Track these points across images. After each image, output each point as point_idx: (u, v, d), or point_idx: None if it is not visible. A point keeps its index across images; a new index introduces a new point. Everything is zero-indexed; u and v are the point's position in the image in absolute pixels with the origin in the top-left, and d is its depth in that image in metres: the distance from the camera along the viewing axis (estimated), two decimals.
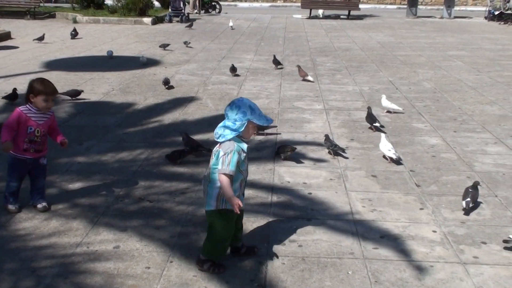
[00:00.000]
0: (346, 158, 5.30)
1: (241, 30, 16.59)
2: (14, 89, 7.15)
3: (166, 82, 8.08)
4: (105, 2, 20.83)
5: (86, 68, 9.81)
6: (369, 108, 6.38)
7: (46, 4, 22.80)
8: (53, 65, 10.19)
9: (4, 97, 7.19)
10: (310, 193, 4.42)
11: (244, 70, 9.74)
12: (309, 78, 8.89)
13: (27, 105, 3.89)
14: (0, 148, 3.78)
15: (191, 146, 5.19)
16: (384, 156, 5.28)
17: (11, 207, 3.99)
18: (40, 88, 3.84)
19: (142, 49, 12.22)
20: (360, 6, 22.62)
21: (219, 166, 3.07)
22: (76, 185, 4.52)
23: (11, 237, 3.66)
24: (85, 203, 4.18)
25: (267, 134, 5.96)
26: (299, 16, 22.28)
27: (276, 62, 10.03)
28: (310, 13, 21.87)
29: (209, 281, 3.16)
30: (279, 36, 15.19)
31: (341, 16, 22.12)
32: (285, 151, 5.13)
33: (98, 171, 4.87)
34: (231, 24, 17.27)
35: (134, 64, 9.67)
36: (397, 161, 5.16)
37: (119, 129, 6.18)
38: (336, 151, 5.34)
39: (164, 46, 12.15)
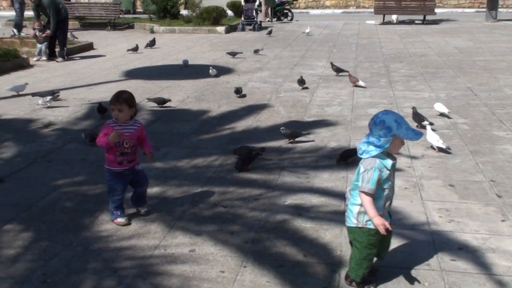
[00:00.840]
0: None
1: (313, 37, 16.58)
2: (100, 104, 7.17)
3: (238, 91, 8.18)
4: (180, 12, 21.41)
5: (163, 76, 10.13)
6: (414, 108, 6.54)
7: (125, 16, 23.73)
8: (132, 74, 10.59)
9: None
10: None
11: (317, 77, 9.73)
12: (361, 83, 8.83)
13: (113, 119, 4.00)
14: (113, 140, 3.82)
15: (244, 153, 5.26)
16: (432, 147, 5.59)
17: (120, 220, 4.05)
18: (110, 100, 3.95)
19: (215, 57, 12.47)
20: (436, 10, 22.01)
21: (359, 183, 2.96)
22: (154, 189, 4.68)
23: (94, 238, 3.84)
24: (163, 207, 4.32)
25: (300, 141, 5.93)
26: (372, 22, 22.00)
27: (337, 70, 9.91)
28: (384, 19, 21.55)
29: (282, 287, 3.18)
30: (352, 42, 15.07)
31: (416, 21, 21.63)
32: (352, 155, 5.12)
33: (175, 176, 5.02)
34: (307, 30, 17.28)
35: (208, 72, 9.87)
36: (446, 150, 5.45)
37: (194, 136, 6.34)
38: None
39: (233, 54, 12.30)
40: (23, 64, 11.62)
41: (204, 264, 3.46)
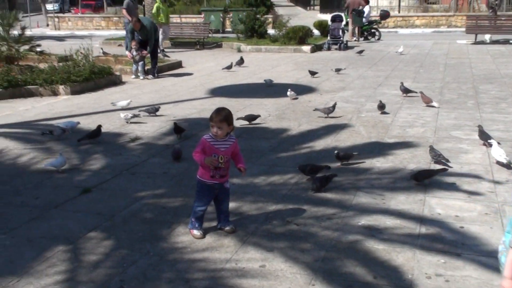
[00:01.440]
0: (451, 167, 5.58)
1: (399, 57, 16.30)
2: (175, 123, 7.29)
3: (382, 107, 8.24)
4: (267, 32, 21.77)
5: (246, 94, 10.34)
6: (480, 126, 6.63)
7: (214, 35, 24.43)
8: (217, 91, 10.90)
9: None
10: (462, 227, 4.22)
11: (400, 98, 9.56)
12: (434, 104, 8.65)
13: (210, 134, 4.12)
14: (208, 164, 4.01)
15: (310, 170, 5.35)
16: (497, 162, 5.66)
17: (196, 232, 4.19)
18: (210, 116, 4.09)
19: (299, 76, 12.57)
20: None
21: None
22: (230, 204, 4.78)
23: (170, 249, 4.00)
24: (237, 222, 4.42)
25: (351, 163, 5.84)
26: (464, 41, 21.28)
27: (405, 90, 9.69)
28: (476, 38, 20.79)
29: None
30: (440, 62, 14.66)
31: (511, 41, 20.71)
32: (429, 176, 5.01)
33: (250, 192, 5.12)
34: (400, 49, 17.03)
35: (299, 89, 9.97)
36: (508, 165, 5.50)
37: (273, 153, 6.43)
38: (440, 160, 5.70)
39: (312, 73, 12.32)
40: (116, 81, 12.27)
41: (273, 280, 3.50)
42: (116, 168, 5.98)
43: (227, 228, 4.27)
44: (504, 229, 4.15)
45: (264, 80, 11.31)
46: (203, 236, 4.18)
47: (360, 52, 17.07)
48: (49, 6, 43.29)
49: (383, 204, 4.75)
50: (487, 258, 3.70)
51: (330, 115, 8.10)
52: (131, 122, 8.03)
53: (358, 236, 4.10)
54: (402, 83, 9.98)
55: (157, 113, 8.50)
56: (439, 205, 4.68)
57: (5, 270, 3.70)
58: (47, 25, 36.82)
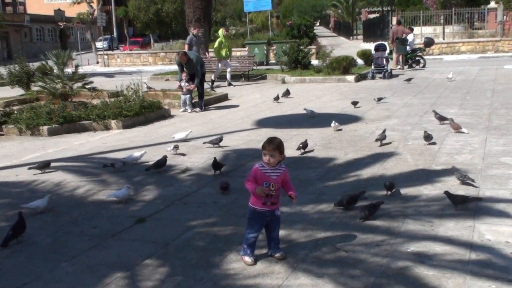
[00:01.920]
0: (477, 187, 5.77)
1: (445, 84, 16.20)
2: (214, 159, 7.26)
3: (429, 138, 8.16)
4: (311, 63, 22.02)
5: (291, 125, 10.51)
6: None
7: (258, 67, 24.85)
8: (262, 123, 11.11)
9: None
10: None
11: (447, 125, 9.52)
12: (463, 130, 8.73)
13: (261, 162, 4.28)
14: (259, 193, 4.17)
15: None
16: None
17: (247, 259, 4.30)
18: (262, 145, 4.27)
19: (344, 106, 12.66)
20: None
21: None
22: (280, 232, 4.88)
23: (222, 276, 4.13)
24: (287, 250, 4.51)
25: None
26: (511, 66, 20.97)
27: (440, 118, 9.68)
28: None
29: None
30: (487, 88, 14.50)
31: None
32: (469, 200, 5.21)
33: (299, 220, 5.23)
34: (450, 75, 17.01)
35: (337, 120, 10.08)
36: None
37: (320, 182, 6.52)
38: (465, 181, 5.88)
39: (354, 103, 12.34)
40: (165, 115, 12.67)
41: None
42: (168, 198, 6.19)
43: (277, 255, 4.37)
44: None
45: (305, 110, 11.40)
46: (255, 262, 4.30)
47: (409, 80, 17.06)
48: (99, 44, 44.99)
49: (431, 230, 4.77)
50: None
51: (383, 142, 8.25)
52: (178, 153, 8.27)
53: (407, 263, 4.14)
54: (435, 111, 9.98)
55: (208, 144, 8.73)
56: (488, 231, 4.67)
57: None
58: (97, 62, 38.27)
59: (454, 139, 8.40)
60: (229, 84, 19.12)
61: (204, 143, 8.92)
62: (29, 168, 7.72)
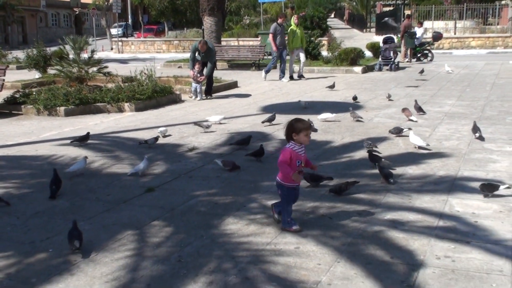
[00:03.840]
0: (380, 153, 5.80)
1: (448, 77, 16.65)
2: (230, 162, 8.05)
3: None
4: (320, 54, 22.50)
5: (295, 111, 11.02)
6: (474, 122, 8.23)
7: (269, 57, 25.34)
8: (268, 109, 11.66)
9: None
10: (476, 221, 4.76)
11: (442, 114, 10.04)
12: (413, 118, 9.44)
13: (291, 142, 4.72)
14: (294, 180, 4.65)
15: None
16: (419, 147, 7.40)
17: (296, 227, 4.75)
18: (302, 126, 4.70)
19: (348, 95, 13.16)
20: None
21: None
22: (273, 202, 5.50)
23: (220, 235, 4.73)
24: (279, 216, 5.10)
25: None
26: None
27: (418, 109, 10.17)
28: None
29: (366, 278, 3.79)
30: (488, 82, 14.95)
31: None
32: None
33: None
34: (447, 68, 17.52)
35: (340, 108, 10.61)
36: (425, 148, 7.31)
37: (315, 161, 7.06)
38: (372, 149, 6.97)
39: (354, 98, 12.67)
40: (176, 100, 13.27)
41: (305, 258, 4.17)
42: (175, 172, 6.79)
43: (277, 216, 4.92)
44: None
45: (299, 101, 11.84)
46: (301, 228, 4.75)
47: (421, 71, 17.50)
48: (114, 31, 45.58)
49: (409, 203, 5.33)
50: (492, 245, 4.24)
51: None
52: (165, 136, 8.85)
53: (382, 227, 4.71)
54: (416, 101, 10.54)
55: (210, 129, 9.28)
56: (459, 204, 5.22)
57: (86, 247, 4.50)
58: (111, 48, 38.91)
59: (446, 127, 8.92)
60: (300, 77, 17.73)
61: (194, 124, 9.55)
62: (71, 142, 8.47)
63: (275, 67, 18.52)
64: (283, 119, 10.06)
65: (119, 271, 4.07)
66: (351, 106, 10.50)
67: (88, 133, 8.65)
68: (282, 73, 17.45)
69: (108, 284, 3.86)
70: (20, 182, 6.52)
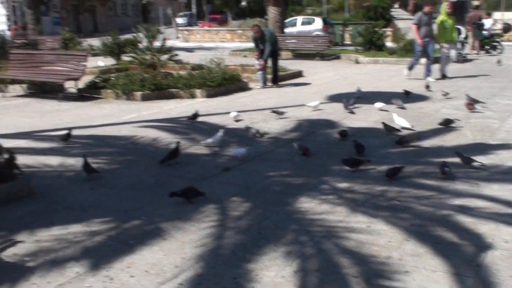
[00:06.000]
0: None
1: None
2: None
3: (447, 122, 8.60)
4: (385, 45, 22.41)
5: (360, 101, 11.22)
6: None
7: (333, 47, 25.46)
8: (333, 98, 11.90)
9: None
10: None
11: (510, 107, 9.99)
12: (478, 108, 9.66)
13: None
14: None
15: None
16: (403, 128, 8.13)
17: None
18: None
19: (413, 86, 13.19)
20: None
21: None
22: (343, 184, 5.81)
23: (295, 212, 5.09)
24: (349, 197, 5.43)
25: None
26: None
27: (473, 100, 10.05)
28: None
29: (435, 256, 4.06)
30: None
31: None
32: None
33: (362, 176, 6.09)
34: (497, 60, 17.36)
35: (403, 99, 10.72)
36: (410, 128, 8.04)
37: (383, 149, 7.33)
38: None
39: (407, 93, 12.49)
40: (244, 87, 13.70)
41: (376, 235, 4.47)
42: (249, 155, 7.18)
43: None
44: None
45: (357, 89, 12.05)
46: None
47: (499, 62, 17.36)
48: (179, 20, 46.65)
49: (477, 190, 5.52)
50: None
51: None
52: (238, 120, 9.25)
53: (450, 212, 4.94)
54: (467, 95, 10.42)
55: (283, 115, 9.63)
56: None
57: (175, 219, 4.97)
58: (177, 37, 39.80)
59: None
60: (443, 77, 15.02)
61: (272, 111, 9.84)
62: (188, 119, 9.47)
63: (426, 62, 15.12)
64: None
65: (206, 238, 4.51)
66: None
67: (197, 111, 9.55)
68: (428, 71, 14.75)
69: (198, 249, 4.31)
70: (109, 159, 7.11)
